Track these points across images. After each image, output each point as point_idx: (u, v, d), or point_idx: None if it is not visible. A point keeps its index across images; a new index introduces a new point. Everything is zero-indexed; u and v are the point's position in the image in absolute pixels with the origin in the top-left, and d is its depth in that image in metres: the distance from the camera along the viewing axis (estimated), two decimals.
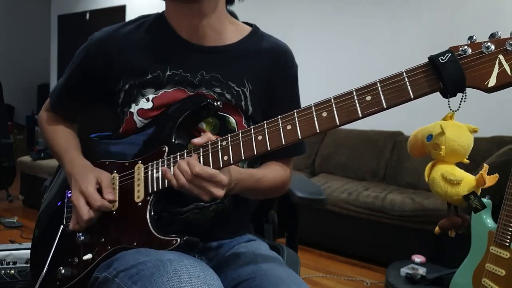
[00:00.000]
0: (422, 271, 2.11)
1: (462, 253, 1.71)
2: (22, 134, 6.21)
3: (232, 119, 0.89)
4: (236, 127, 0.89)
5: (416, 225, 2.45)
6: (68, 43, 5.50)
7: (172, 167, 0.77)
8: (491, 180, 0.59)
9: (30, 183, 3.59)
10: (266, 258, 0.88)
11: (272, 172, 0.93)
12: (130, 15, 4.83)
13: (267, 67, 0.93)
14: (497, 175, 0.60)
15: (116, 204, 0.84)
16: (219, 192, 0.72)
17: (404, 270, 2.14)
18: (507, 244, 1.49)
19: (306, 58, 3.63)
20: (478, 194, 0.60)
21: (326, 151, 3.44)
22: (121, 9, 4.99)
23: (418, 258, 2.26)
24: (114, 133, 0.96)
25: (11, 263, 1.71)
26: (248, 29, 0.96)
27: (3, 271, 1.68)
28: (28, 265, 1.71)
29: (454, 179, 0.60)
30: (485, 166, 0.61)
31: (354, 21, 3.54)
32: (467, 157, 0.62)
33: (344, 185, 2.96)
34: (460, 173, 0.61)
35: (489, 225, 1.59)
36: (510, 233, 1.49)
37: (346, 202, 2.70)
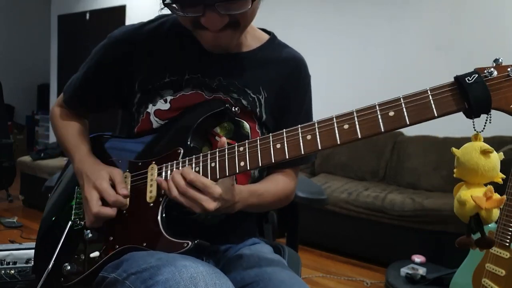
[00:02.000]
0: (422, 271, 2.11)
1: (462, 253, 1.70)
2: (22, 134, 6.21)
3: (246, 124, 0.89)
4: (249, 132, 0.89)
5: (416, 225, 2.45)
6: (68, 43, 5.50)
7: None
8: (489, 204, 0.58)
9: (30, 183, 3.58)
10: (270, 262, 0.88)
11: (275, 186, 0.92)
12: (130, 15, 4.82)
13: (283, 76, 0.93)
14: (504, 197, 0.59)
15: (127, 203, 0.84)
16: (211, 205, 0.71)
17: (404, 270, 2.14)
18: (507, 244, 1.49)
19: (306, 58, 3.62)
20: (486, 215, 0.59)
21: (326, 151, 3.43)
22: (121, 9, 4.97)
23: (418, 258, 2.26)
24: (126, 133, 0.96)
25: (11, 263, 1.71)
26: (266, 36, 0.96)
27: (3, 271, 1.68)
28: (28, 265, 1.71)
29: (460, 200, 0.61)
30: (488, 187, 0.60)
31: (354, 21, 3.53)
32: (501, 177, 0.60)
33: (344, 185, 2.96)
34: (470, 194, 0.60)
35: (489, 225, 1.60)
36: (510, 233, 1.49)
37: (346, 202, 2.70)
